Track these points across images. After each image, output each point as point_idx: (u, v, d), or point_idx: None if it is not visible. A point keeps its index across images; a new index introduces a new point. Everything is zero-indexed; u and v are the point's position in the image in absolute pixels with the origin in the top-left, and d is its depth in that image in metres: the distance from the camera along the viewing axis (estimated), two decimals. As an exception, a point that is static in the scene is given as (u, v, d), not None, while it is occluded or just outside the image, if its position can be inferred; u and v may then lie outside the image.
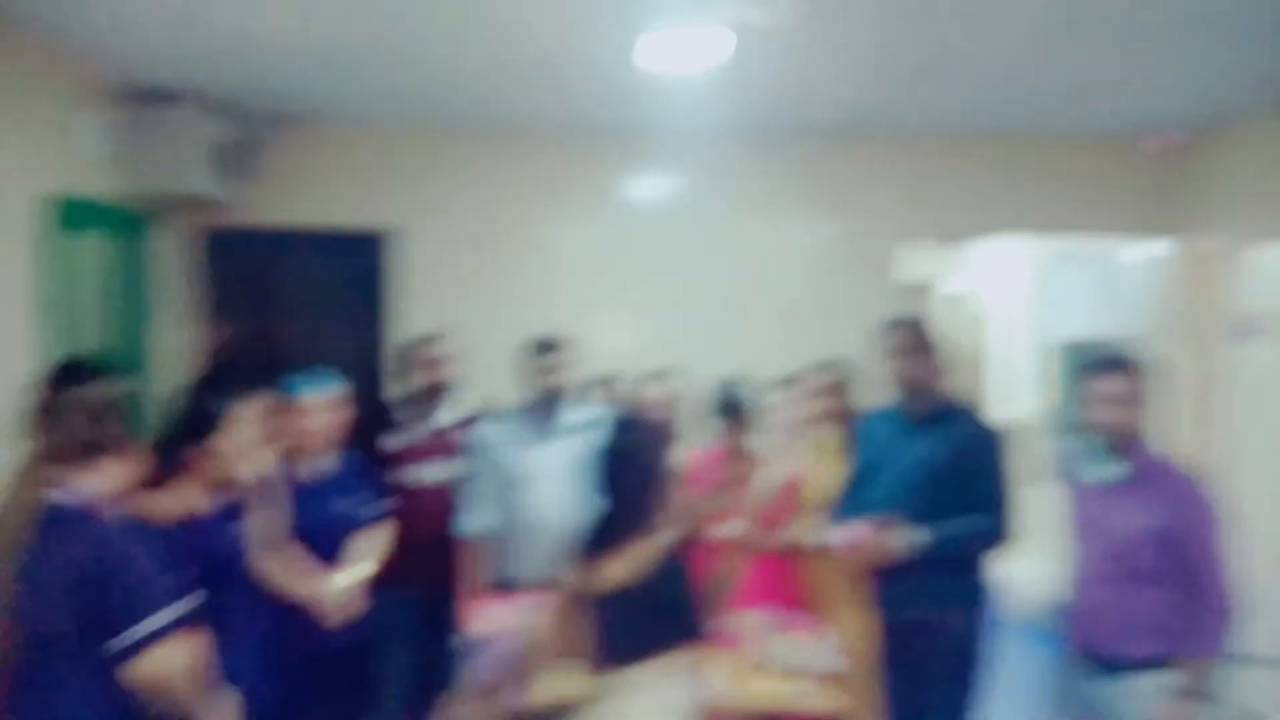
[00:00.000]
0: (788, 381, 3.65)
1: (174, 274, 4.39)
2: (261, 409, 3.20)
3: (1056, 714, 2.83)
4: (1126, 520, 2.64)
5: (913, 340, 3.09)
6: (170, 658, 2.05)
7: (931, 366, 3.09)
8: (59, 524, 2.04)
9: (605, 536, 2.35)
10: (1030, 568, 4.28)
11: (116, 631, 2.01)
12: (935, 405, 3.08)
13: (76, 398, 2.11)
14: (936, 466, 2.97)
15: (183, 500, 2.61)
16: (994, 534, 2.98)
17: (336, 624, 3.06)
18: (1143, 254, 4.88)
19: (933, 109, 4.24)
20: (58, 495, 2.07)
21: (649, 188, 4.75)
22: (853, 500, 3.09)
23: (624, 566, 2.28)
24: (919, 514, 2.90)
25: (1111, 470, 2.71)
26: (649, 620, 2.23)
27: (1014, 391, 6.37)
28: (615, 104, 4.16)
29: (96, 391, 2.15)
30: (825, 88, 3.93)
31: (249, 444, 2.76)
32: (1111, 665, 2.65)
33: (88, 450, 2.10)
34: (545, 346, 3.51)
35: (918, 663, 3.01)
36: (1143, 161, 4.68)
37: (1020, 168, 4.74)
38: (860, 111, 4.27)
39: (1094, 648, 2.70)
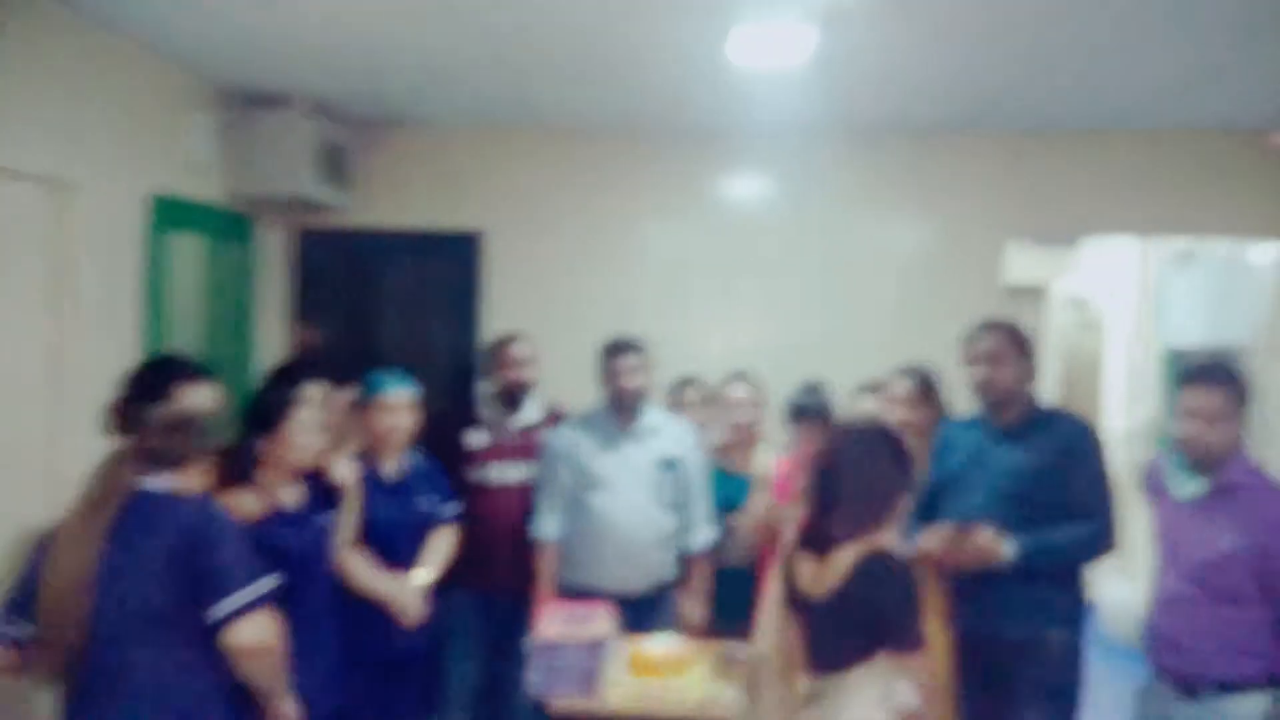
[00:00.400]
0: (873, 386, 3.54)
1: (275, 274, 4.55)
2: (336, 401, 3.30)
3: None
4: (1208, 539, 2.56)
5: (998, 347, 2.95)
6: (264, 627, 2.14)
7: (1018, 374, 2.94)
8: (149, 507, 2.13)
9: (819, 542, 2.35)
10: (1124, 584, 4.09)
11: (211, 603, 2.09)
12: (1024, 413, 2.94)
13: (161, 409, 2.21)
14: (1031, 476, 2.84)
15: (259, 499, 2.67)
16: (1094, 543, 2.83)
17: (411, 624, 3.12)
18: (1269, 255, 4.55)
19: (1042, 102, 4.03)
20: (148, 484, 2.16)
21: (741, 187, 4.67)
22: (931, 513, 2.97)
23: (834, 573, 2.29)
24: (1012, 526, 2.78)
25: (1194, 486, 2.62)
26: (859, 625, 2.24)
27: (1131, 399, 6.06)
28: (707, 103, 4.10)
29: (179, 403, 2.24)
30: (926, 83, 3.78)
31: (315, 431, 2.80)
32: (1197, 688, 2.56)
33: (168, 456, 2.19)
34: (623, 348, 3.48)
35: (1008, 684, 2.87)
36: (1271, 156, 4.36)
37: (1138, 163, 4.45)
38: (964, 107, 4.10)
39: (1179, 669, 2.61)
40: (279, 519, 2.70)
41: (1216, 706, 2.53)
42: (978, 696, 2.94)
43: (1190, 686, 2.58)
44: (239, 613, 2.09)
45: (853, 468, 2.34)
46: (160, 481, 2.17)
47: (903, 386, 3.35)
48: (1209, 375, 2.61)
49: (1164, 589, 2.71)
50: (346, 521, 2.96)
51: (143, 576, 2.08)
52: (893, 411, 3.34)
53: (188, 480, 2.22)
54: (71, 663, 2.08)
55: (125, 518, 2.11)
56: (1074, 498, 2.82)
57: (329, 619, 2.82)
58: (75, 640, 2.07)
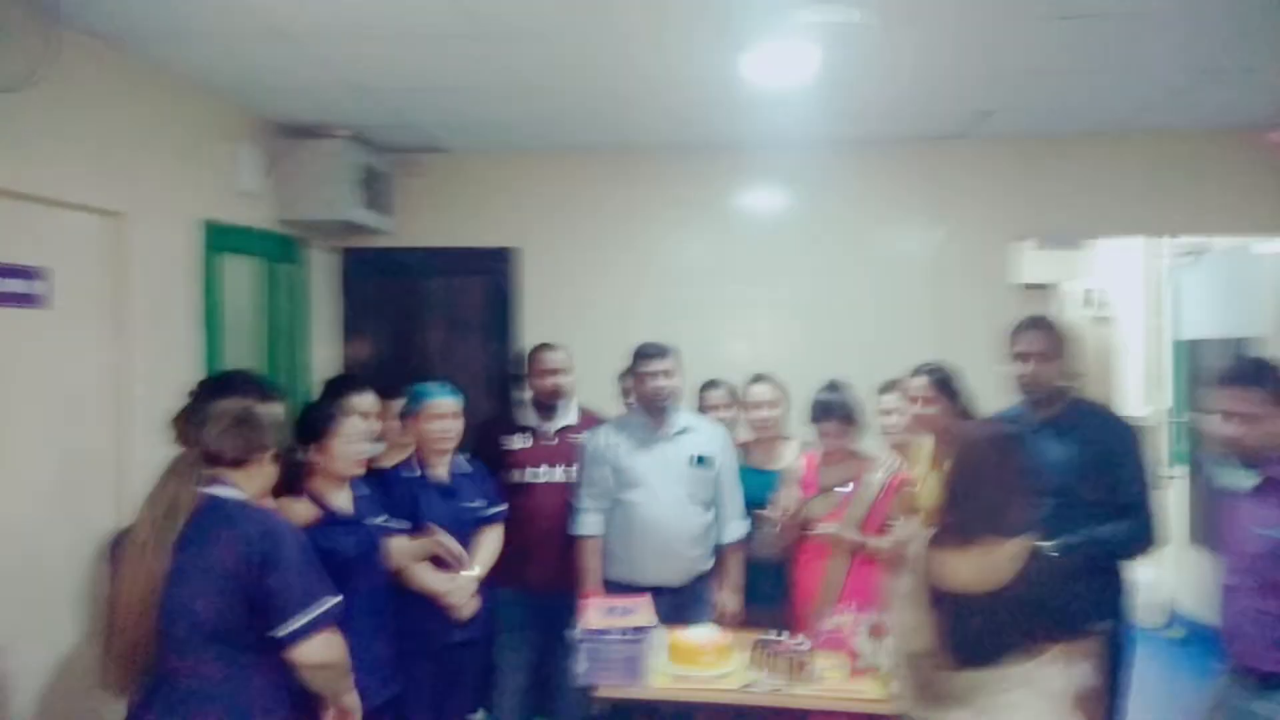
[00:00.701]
0: (892, 384, 3.68)
1: (324, 293, 4.78)
2: (386, 411, 3.49)
3: None
4: (1256, 530, 2.54)
5: (1043, 343, 3.01)
6: (327, 645, 2.14)
7: (1061, 370, 3.00)
8: (218, 515, 2.12)
9: (959, 538, 2.38)
10: (1150, 568, 4.13)
11: (277, 621, 2.08)
12: (1066, 408, 3.01)
13: (220, 408, 2.23)
14: (1073, 470, 2.88)
15: (310, 506, 2.84)
16: (1138, 540, 2.89)
17: (463, 619, 3.30)
18: (1277, 249, 4.66)
19: (1047, 108, 4.17)
20: (215, 490, 2.17)
21: (757, 199, 4.84)
22: None
23: (996, 568, 2.33)
24: (1054, 520, 2.75)
25: (1240, 479, 2.64)
26: (1020, 617, 2.28)
27: (1146, 391, 6.17)
28: (721, 120, 4.28)
29: (237, 403, 2.25)
30: (932, 92, 3.93)
31: (360, 440, 2.96)
32: (1262, 680, 2.52)
33: (228, 454, 2.20)
34: (653, 353, 3.65)
35: None
36: (1273, 153, 4.46)
37: (1143, 165, 4.58)
38: (970, 114, 4.25)
39: (1240, 661, 2.58)
40: (331, 522, 2.88)
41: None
42: None
43: (1257, 678, 2.52)
44: (303, 632, 2.09)
45: (993, 467, 2.38)
46: (227, 488, 2.18)
47: (920, 383, 3.41)
48: (1243, 375, 2.60)
49: (1223, 580, 2.68)
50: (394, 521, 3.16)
51: (210, 588, 2.06)
52: (911, 408, 3.47)
53: (251, 482, 2.23)
54: (141, 671, 2.09)
55: (195, 525, 2.10)
56: (1116, 493, 2.86)
57: (381, 615, 2.98)
58: (145, 649, 2.06)
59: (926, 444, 3.56)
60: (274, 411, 2.31)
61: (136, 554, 2.07)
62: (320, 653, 2.12)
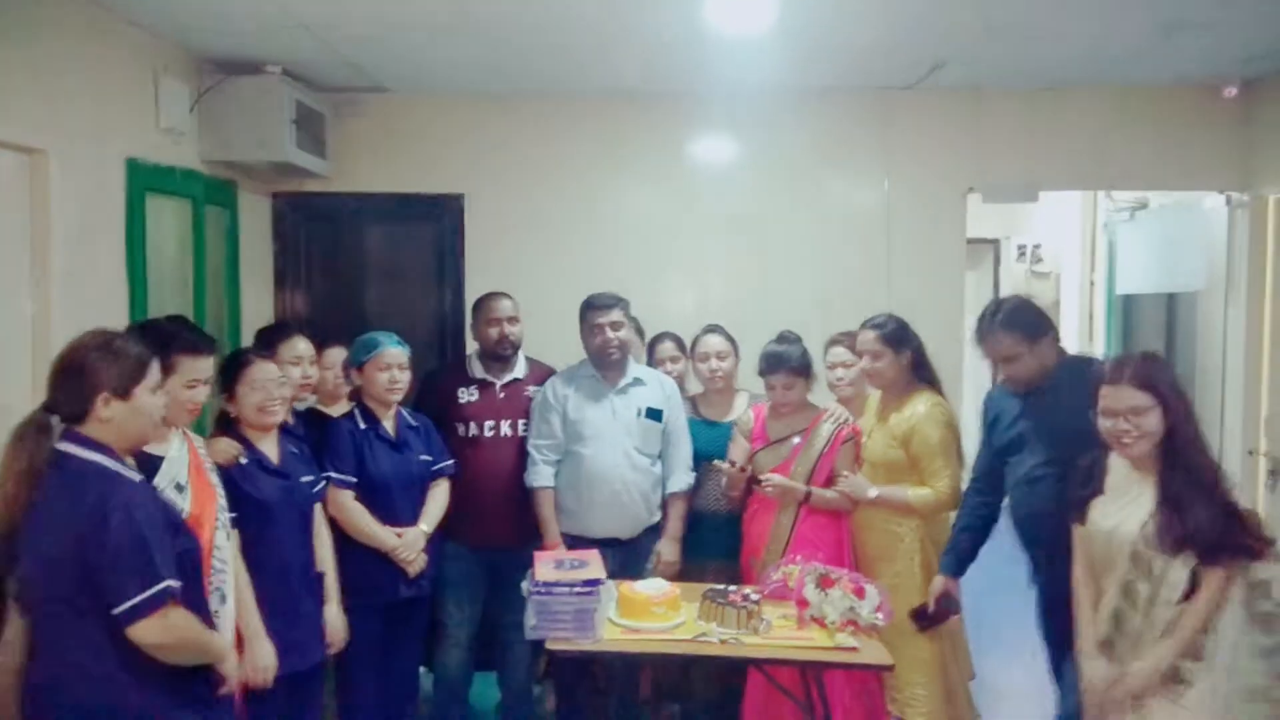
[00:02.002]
0: (841, 337, 3.67)
1: (254, 239, 4.58)
2: (330, 360, 3.41)
3: None
4: None
5: (1009, 345, 2.91)
6: (168, 626, 2.02)
7: (1039, 360, 2.92)
8: (63, 479, 2.03)
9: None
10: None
11: (115, 595, 1.97)
12: (1059, 374, 2.93)
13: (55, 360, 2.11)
14: (1075, 434, 2.68)
15: (230, 450, 2.77)
16: None
17: (411, 574, 3.25)
18: (1216, 205, 4.74)
19: (1001, 61, 4.16)
20: (65, 446, 2.06)
21: (710, 148, 4.76)
22: (996, 479, 3.06)
23: None
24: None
25: None
26: None
27: (1079, 347, 6.29)
28: (675, 66, 4.18)
29: (66, 351, 2.11)
30: (886, 41, 3.89)
31: (274, 386, 2.88)
32: None
33: (64, 410, 2.07)
34: (604, 304, 3.59)
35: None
36: (1224, 108, 4.53)
37: (1095, 118, 4.61)
38: (923, 64, 4.21)
39: None
40: (257, 468, 2.82)
41: None
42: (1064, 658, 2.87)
43: None
44: (134, 612, 1.97)
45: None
46: (76, 445, 2.06)
47: (868, 338, 3.39)
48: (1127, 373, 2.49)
49: None
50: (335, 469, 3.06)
51: (46, 554, 2.00)
52: (860, 363, 3.47)
53: (105, 430, 2.08)
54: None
55: (45, 487, 2.02)
56: None
57: (307, 571, 2.93)
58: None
59: (873, 397, 3.57)
60: (118, 348, 2.12)
61: None
62: (155, 634, 2.01)
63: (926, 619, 3.21)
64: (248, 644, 2.63)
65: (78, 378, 2.09)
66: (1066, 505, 2.66)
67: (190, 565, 2.15)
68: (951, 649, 3.45)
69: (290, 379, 3.10)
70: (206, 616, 2.25)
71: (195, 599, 2.18)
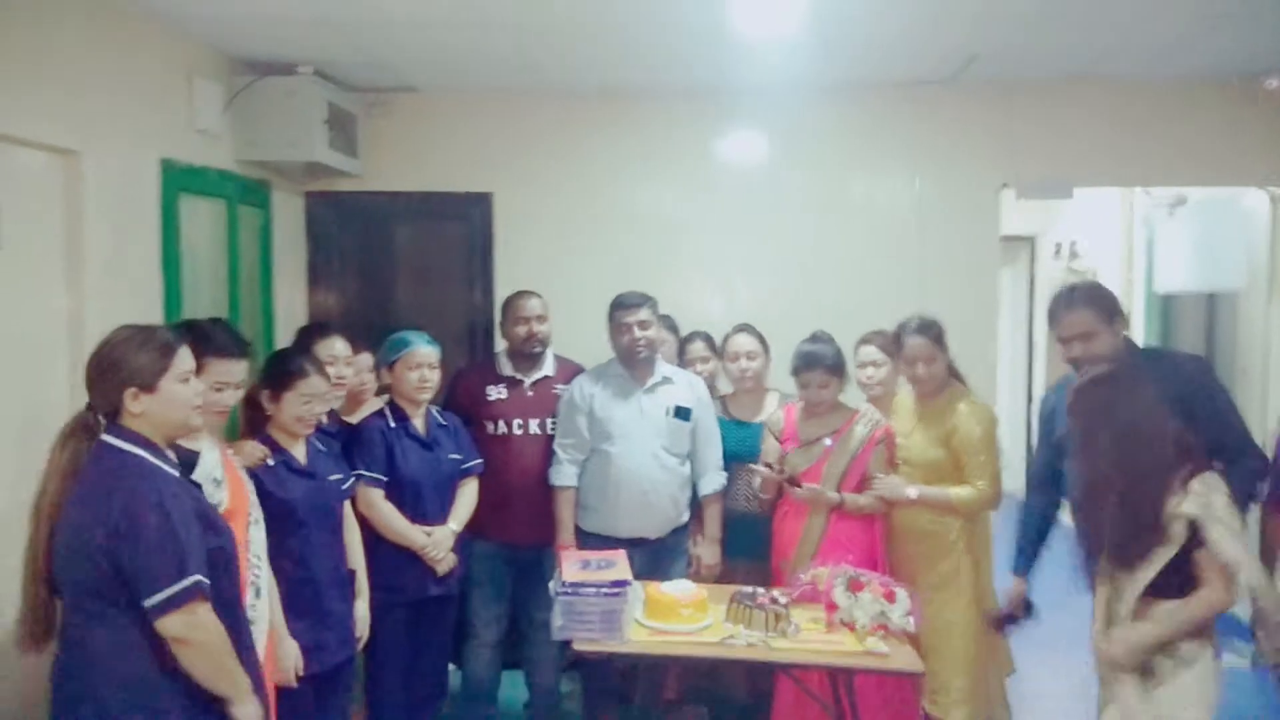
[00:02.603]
0: (872, 336, 3.63)
1: (287, 239, 4.61)
2: (360, 361, 3.43)
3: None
4: None
5: (1084, 323, 2.85)
6: (194, 622, 2.01)
7: (1112, 343, 2.84)
8: (101, 472, 2.05)
9: None
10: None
11: (146, 588, 1.98)
12: (1129, 365, 2.81)
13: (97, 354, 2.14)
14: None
15: (255, 452, 2.78)
16: (1252, 477, 2.72)
17: (440, 573, 3.26)
18: (1257, 201, 4.64)
19: (1035, 54, 4.09)
20: (109, 438, 2.08)
21: (741, 146, 4.72)
22: (1057, 476, 3.03)
23: None
24: None
25: None
26: None
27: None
28: (705, 63, 4.15)
29: (96, 352, 2.14)
30: (917, 36, 3.83)
31: (319, 401, 2.90)
32: None
33: (101, 409, 2.11)
34: (633, 303, 3.57)
35: None
36: (1265, 102, 4.42)
37: (1132, 113, 4.51)
38: (959, 58, 4.15)
39: None
40: (285, 469, 2.84)
41: None
42: None
43: None
44: (164, 606, 1.97)
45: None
46: (117, 438, 2.08)
47: (919, 343, 3.35)
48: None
49: None
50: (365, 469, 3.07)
51: (83, 548, 2.00)
52: (911, 369, 3.41)
53: (142, 422, 2.09)
54: (45, 631, 2.09)
55: (84, 480, 2.05)
56: (1213, 443, 2.61)
57: (337, 572, 2.95)
58: (40, 603, 2.08)
59: (902, 397, 3.53)
60: (140, 342, 2.12)
61: (34, 515, 2.08)
62: (180, 628, 2.00)
63: (1010, 621, 3.20)
64: (273, 643, 2.65)
65: (105, 374, 2.11)
66: None
67: (222, 562, 2.15)
68: (989, 646, 3.42)
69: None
70: (239, 613, 2.25)
71: (227, 596, 2.18)
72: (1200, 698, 2.40)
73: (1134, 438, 2.44)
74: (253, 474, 2.70)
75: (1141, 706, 2.43)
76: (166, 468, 2.11)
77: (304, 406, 2.85)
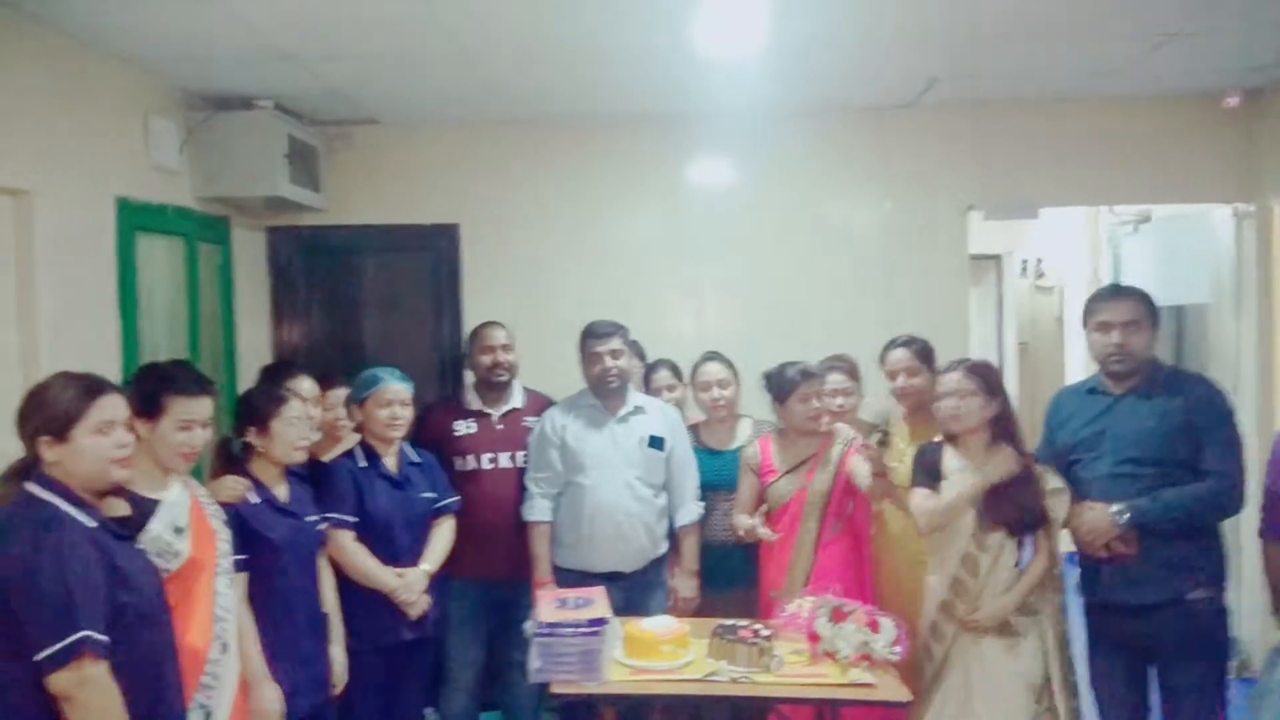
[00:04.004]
0: (835, 364, 3.59)
1: (249, 276, 4.52)
2: (331, 398, 3.37)
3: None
4: None
5: (1130, 311, 2.91)
6: (83, 681, 1.91)
7: (1150, 340, 2.93)
8: (15, 516, 1.99)
9: None
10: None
11: (36, 641, 1.90)
12: (1148, 376, 2.93)
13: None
14: (1157, 439, 2.84)
15: (237, 486, 2.73)
16: (1217, 500, 2.81)
17: (414, 616, 3.17)
18: (1222, 217, 4.68)
19: (997, 76, 4.11)
20: (30, 484, 2.03)
21: (707, 170, 4.70)
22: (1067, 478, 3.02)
23: None
24: (1142, 490, 2.81)
25: None
26: None
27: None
28: (669, 88, 4.14)
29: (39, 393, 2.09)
30: (881, 58, 3.84)
31: (302, 426, 2.88)
32: None
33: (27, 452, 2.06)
34: (602, 332, 3.53)
35: (1149, 649, 2.91)
36: (1225, 118, 4.47)
37: (1096, 132, 4.54)
38: (920, 81, 4.16)
39: None
40: (269, 508, 2.80)
41: None
42: (1117, 663, 2.99)
43: None
44: (52, 661, 1.89)
45: None
46: (36, 485, 2.02)
47: (900, 355, 3.41)
48: None
49: None
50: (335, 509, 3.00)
51: None
52: (894, 381, 3.43)
53: (58, 468, 2.03)
54: None
55: (2, 525, 1.99)
56: (1201, 456, 2.80)
57: (312, 613, 2.89)
58: None
59: (896, 421, 3.51)
60: (52, 391, 2.07)
61: None
62: (66, 685, 1.90)
63: None
64: (252, 688, 2.57)
65: (22, 421, 2.07)
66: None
67: (136, 619, 2.04)
68: None
69: None
70: (164, 671, 2.14)
71: (145, 654, 2.08)
72: None
73: None
74: (235, 512, 2.65)
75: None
76: (82, 518, 2.02)
77: (295, 431, 2.85)
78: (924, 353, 3.44)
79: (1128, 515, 2.82)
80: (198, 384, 2.49)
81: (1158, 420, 2.86)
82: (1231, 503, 2.85)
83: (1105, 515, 2.84)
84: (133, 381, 2.47)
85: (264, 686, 2.61)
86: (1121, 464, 2.88)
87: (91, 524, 2.04)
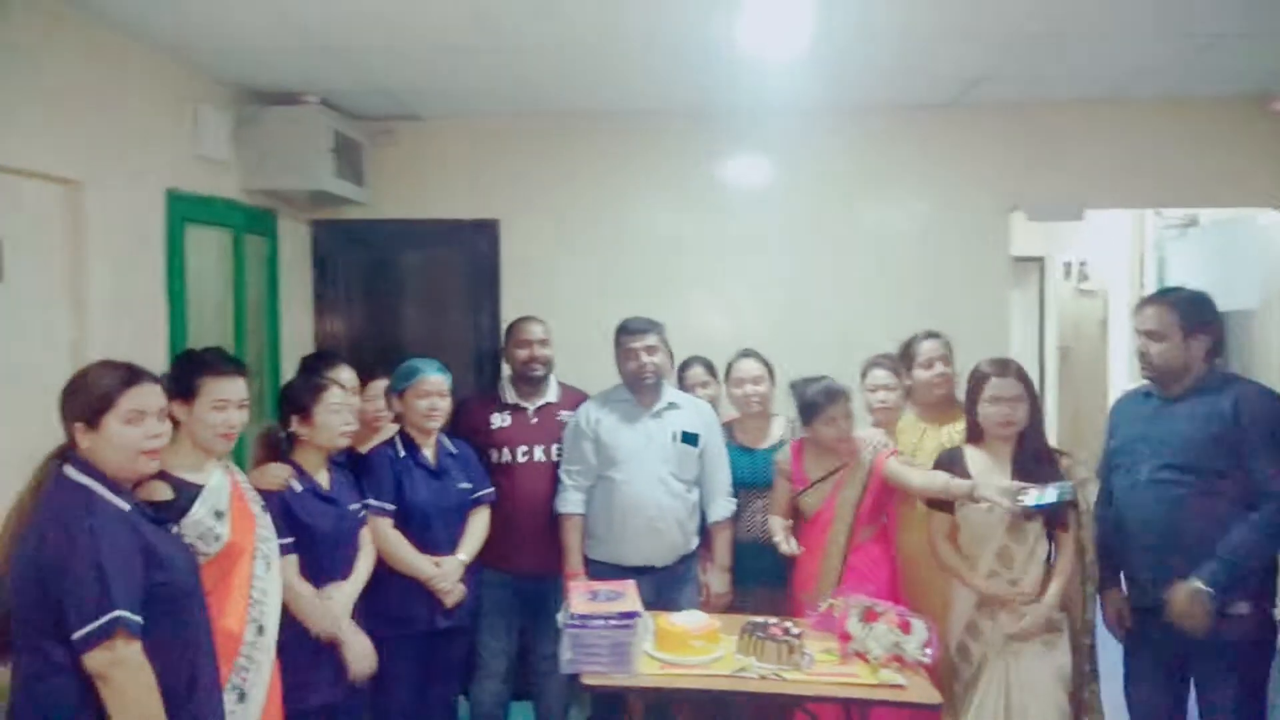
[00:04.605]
0: (882, 359, 3.59)
1: (294, 267, 4.60)
2: (372, 389, 3.42)
3: None
4: None
5: (1155, 321, 2.86)
6: (117, 660, 1.95)
7: (1181, 348, 2.83)
8: (52, 498, 2.04)
9: None
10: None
11: (73, 621, 1.94)
12: (1195, 382, 2.85)
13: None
14: (1197, 445, 2.78)
15: (280, 474, 2.80)
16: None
17: (449, 605, 3.22)
18: (1272, 221, 4.59)
19: (1040, 76, 4.06)
20: (67, 468, 2.08)
21: (746, 168, 4.69)
22: (1107, 484, 3.01)
23: None
24: (1180, 497, 2.78)
25: None
26: None
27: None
28: (709, 86, 4.14)
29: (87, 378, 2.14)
30: (924, 57, 3.81)
31: (344, 414, 2.94)
32: None
33: (65, 428, 2.10)
34: (639, 328, 3.55)
35: (1194, 660, 2.86)
36: (1273, 121, 4.39)
37: (1142, 133, 4.47)
38: (962, 81, 4.13)
39: None
40: (312, 496, 2.87)
41: None
42: (1153, 668, 2.96)
43: None
44: (87, 640, 1.93)
45: None
46: (73, 468, 2.07)
47: (933, 345, 3.46)
48: None
49: None
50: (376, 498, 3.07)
51: (22, 577, 1.99)
52: (929, 370, 3.45)
53: (94, 454, 2.08)
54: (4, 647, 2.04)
55: (39, 505, 2.04)
56: (1248, 466, 2.73)
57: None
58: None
59: (905, 420, 3.51)
60: (88, 379, 2.13)
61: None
62: (100, 665, 1.94)
63: None
64: (344, 647, 2.81)
65: (61, 407, 2.13)
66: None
67: (169, 599, 2.09)
68: None
69: None
70: (199, 655, 2.18)
71: (179, 635, 2.12)
72: None
73: None
74: (280, 500, 2.72)
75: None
76: (116, 501, 2.07)
77: (338, 417, 2.91)
78: (949, 345, 3.50)
79: (1208, 583, 2.69)
80: (229, 364, 2.56)
81: (1200, 424, 2.79)
82: None
83: (1195, 597, 2.71)
84: (170, 369, 2.54)
85: (354, 640, 2.82)
86: (1161, 470, 2.84)
87: (126, 507, 2.09)
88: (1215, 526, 2.74)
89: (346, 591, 2.93)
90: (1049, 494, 2.80)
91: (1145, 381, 3.02)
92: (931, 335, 3.52)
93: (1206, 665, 2.84)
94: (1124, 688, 3.06)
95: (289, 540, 2.70)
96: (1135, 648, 3.04)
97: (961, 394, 3.30)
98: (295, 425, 2.91)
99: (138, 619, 1.98)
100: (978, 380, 3.08)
